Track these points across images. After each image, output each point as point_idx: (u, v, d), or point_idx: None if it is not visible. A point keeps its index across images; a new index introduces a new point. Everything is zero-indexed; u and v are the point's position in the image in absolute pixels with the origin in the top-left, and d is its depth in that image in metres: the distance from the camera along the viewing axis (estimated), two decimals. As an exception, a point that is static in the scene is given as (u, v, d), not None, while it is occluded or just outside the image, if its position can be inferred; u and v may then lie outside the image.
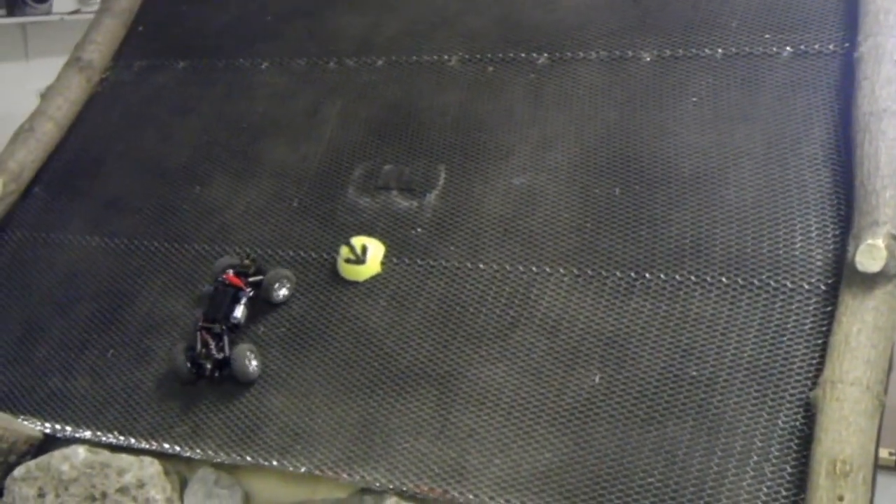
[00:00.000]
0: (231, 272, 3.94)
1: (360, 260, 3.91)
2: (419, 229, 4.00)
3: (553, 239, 3.80)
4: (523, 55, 4.45)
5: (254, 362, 3.76)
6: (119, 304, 4.08)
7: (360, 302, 3.83)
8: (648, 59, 4.24)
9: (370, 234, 4.02)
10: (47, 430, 3.70)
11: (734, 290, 3.46)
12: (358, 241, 3.96)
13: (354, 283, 3.89)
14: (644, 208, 3.77)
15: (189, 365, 3.75)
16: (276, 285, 3.95)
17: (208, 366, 3.76)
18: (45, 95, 4.64)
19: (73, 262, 4.31)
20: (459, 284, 3.77)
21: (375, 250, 3.94)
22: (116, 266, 4.22)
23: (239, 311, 3.89)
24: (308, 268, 3.99)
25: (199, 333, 3.82)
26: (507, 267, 3.78)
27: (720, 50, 4.14)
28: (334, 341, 3.72)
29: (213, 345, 3.78)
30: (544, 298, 3.64)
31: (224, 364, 3.76)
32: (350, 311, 3.80)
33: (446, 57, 4.55)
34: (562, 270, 3.70)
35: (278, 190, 4.30)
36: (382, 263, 3.92)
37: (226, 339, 3.81)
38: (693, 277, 3.52)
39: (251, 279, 3.97)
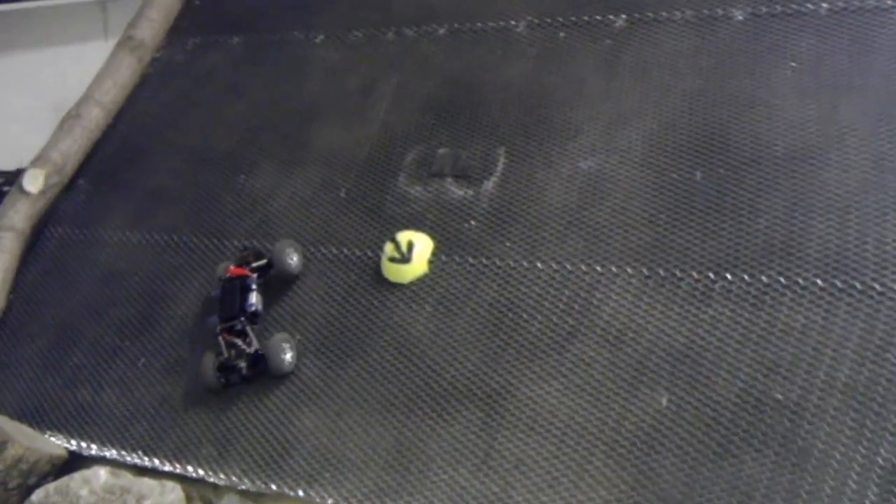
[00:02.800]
0: (231, 266, 3.72)
1: (405, 258, 3.55)
2: (473, 222, 3.60)
3: (621, 233, 3.35)
4: (599, 17, 3.98)
5: (288, 354, 3.50)
6: (154, 308, 3.84)
7: (404, 307, 3.47)
8: (741, 17, 3.70)
9: (420, 227, 3.66)
10: (72, 448, 3.50)
11: (831, 294, 2.95)
12: (404, 236, 3.61)
13: (399, 286, 3.54)
14: (728, 196, 3.27)
15: (219, 374, 3.51)
16: (286, 256, 3.71)
17: (242, 364, 3.51)
18: (95, 78, 4.43)
19: (111, 260, 4.10)
20: (514, 287, 3.37)
21: (423, 247, 3.58)
22: (154, 265, 3.98)
23: (253, 298, 3.65)
24: (351, 267, 3.65)
25: (220, 338, 3.59)
26: (568, 266, 3.35)
27: (825, 4, 3.58)
28: (373, 352, 3.37)
29: (239, 342, 3.55)
30: (608, 304, 3.21)
31: (258, 359, 3.52)
32: (393, 318, 3.45)
33: (513, 22, 4.11)
34: (629, 270, 3.25)
35: (326, 178, 3.96)
36: (430, 262, 3.55)
37: (249, 330, 3.58)
38: (782, 279, 3.02)
39: (254, 265, 3.75)
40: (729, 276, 3.09)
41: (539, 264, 3.40)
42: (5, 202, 4.18)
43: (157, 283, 3.93)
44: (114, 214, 4.29)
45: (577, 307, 3.24)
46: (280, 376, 3.50)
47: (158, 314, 3.83)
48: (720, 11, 3.75)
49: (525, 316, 3.30)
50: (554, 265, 3.37)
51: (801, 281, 2.99)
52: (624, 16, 3.90)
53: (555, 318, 3.24)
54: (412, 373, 3.29)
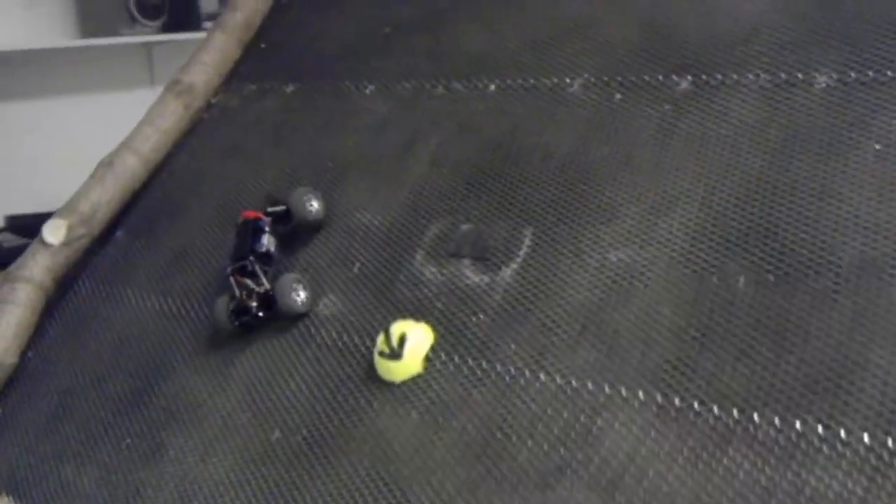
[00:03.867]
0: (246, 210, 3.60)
1: (394, 354, 3.09)
2: (482, 315, 3.10)
3: (641, 346, 2.75)
4: (661, 77, 3.37)
5: (301, 294, 3.34)
6: (150, 384, 3.52)
7: (390, 411, 2.99)
8: (824, 83, 3.03)
9: (427, 316, 3.19)
10: (43, 534, 3.26)
11: (880, 458, 2.28)
12: (399, 327, 3.14)
13: (390, 385, 3.09)
14: (773, 311, 2.64)
15: (233, 316, 3.38)
16: (304, 201, 3.58)
17: (253, 304, 3.35)
18: (138, 125, 4.20)
19: (126, 323, 3.82)
20: (510, 401, 2.83)
21: (417, 343, 3.10)
22: (163, 334, 3.66)
23: (265, 239, 3.49)
24: (345, 357, 3.21)
25: (231, 279, 3.44)
26: (574, 382, 2.78)
27: (929, 72, 2.89)
28: (347, 465, 2.90)
29: (251, 283, 3.39)
30: (609, 435, 2.63)
31: (270, 299, 3.36)
32: (376, 424, 2.97)
33: (568, 80, 3.56)
34: (641, 396, 2.66)
35: (344, 248, 3.54)
36: (426, 360, 3.10)
37: (258, 269, 3.40)
38: (820, 429, 2.38)
39: (270, 209, 3.59)
40: (756, 417, 2.46)
41: (542, 376, 2.84)
42: (26, 252, 4.00)
43: (160, 355, 3.60)
44: (139, 273, 4.02)
45: (573, 435, 2.67)
46: (293, 317, 3.34)
47: (153, 391, 3.50)
48: (800, 76, 3.08)
49: (515, 439, 2.75)
50: (559, 379, 2.81)
51: (843, 434, 2.35)
52: (689, 77, 3.30)
53: (546, 447, 2.68)
54: (381, 494, 2.84)
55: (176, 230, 4.01)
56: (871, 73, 2.94)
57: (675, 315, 2.75)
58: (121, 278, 4.00)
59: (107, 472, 3.32)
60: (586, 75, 3.51)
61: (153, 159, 4.19)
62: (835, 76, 3.02)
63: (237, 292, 3.43)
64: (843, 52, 3.06)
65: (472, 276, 3.21)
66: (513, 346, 2.96)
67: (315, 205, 3.63)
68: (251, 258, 3.48)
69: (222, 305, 3.47)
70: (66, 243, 3.95)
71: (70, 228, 3.94)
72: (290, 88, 4.33)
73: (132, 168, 4.12)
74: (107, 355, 3.73)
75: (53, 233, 3.94)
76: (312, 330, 3.35)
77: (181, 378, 3.46)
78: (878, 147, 2.82)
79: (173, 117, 4.27)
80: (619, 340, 2.82)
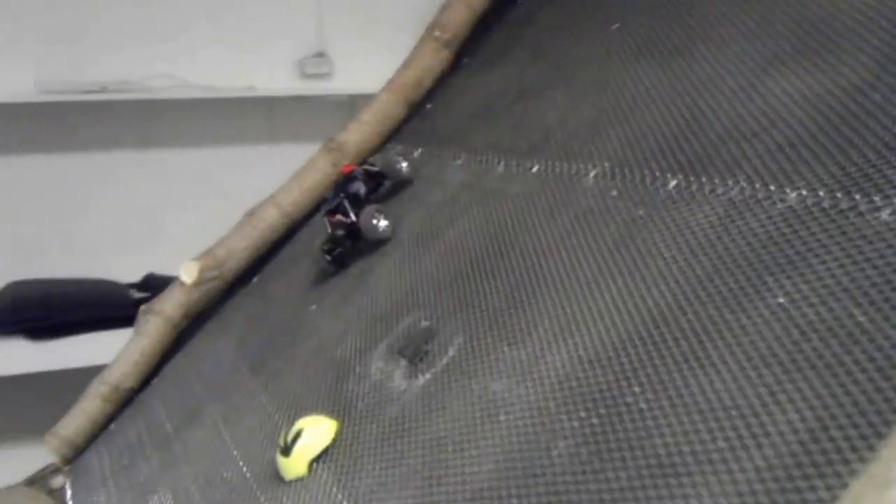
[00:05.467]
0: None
1: (285, 450, 2.71)
2: (375, 426, 2.62)
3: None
4: (657, 174, 2.58)
5: (383, 221, 3.57)
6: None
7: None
8: (794, 203, 2.11)
9: (349, 411, 2.76)
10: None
11: None
12: (302, 423, 2.75)
13: (282, 483, 2.72)
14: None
15: (325, 250, 3.66)
16: (395, 163, 3.92)
17: (340, 233, 3.63)
18: (291, 177, 4.17)
19: (210, 370, 3.81)
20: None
21: (309, 443, 2.66)
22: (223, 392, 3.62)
23: (356, 185, 3.74)
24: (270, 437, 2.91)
25: (325, 219, 3.68)
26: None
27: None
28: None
29: (341, 217, 3.63)
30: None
31: (356, 230, 3.60)
32: (248, 519, 2.67)
33: (588, 167, 2.86)
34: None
35: (323, 343, 3.27)
36: (313, 463, 2.67)
37: (347, 206, 3.62)
38: None
39: (366, 166, 3.93)
40: None
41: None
42: (168, 289, 4.18)
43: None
44: (235, 328, 4.03)
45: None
46: (377, 242, 3.55)
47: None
48: (760, 194, 2.20)
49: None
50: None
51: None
52: (681, 176, 2.49)
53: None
54: None
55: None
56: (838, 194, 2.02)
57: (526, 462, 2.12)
58: (235, 326, 4.03)
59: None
60: (606, 164, 2.80)
61: (293, 214, 4.15)
62: (804, 193, 2.12)
63: (330, 231, 3.66)
64: (820, 171, 2.14)
65: (398, 379, 2.71)
66: (378, 469, 2.47)
67: (404, 165, 3.88)
68: (341, 195, 3.68)
69: (317, 243, 3.73)
70: (198, 283, 4.07)
71: (202, 270, 4.05)
72: (416, 153, 4.02)
73: (272, 220, 4.12)
74: (189, 400, 3.74)
75: (188, 273, 4.07)
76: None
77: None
78: (780, 300, 1.93)
79: (319, 174, 4.17)
80: (447, 491, 2.25)
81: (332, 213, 3.64)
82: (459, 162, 3.63)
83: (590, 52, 3.54)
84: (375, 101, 4.35)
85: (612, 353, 2.15)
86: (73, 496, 3.74)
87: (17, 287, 6.79)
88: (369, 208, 3.60)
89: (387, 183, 3.86)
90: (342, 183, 3.77)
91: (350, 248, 3.63)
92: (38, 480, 4.17)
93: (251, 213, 4.17)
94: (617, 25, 3.49)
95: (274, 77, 7.78)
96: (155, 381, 4.09)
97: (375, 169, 3.85)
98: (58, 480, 4.11)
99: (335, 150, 4.20)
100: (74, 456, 4.00)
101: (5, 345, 6.76)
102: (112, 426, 4.02)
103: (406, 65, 4.42)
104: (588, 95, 3.30)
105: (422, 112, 4.30)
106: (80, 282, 7.12)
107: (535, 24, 4.12)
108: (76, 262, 6.98)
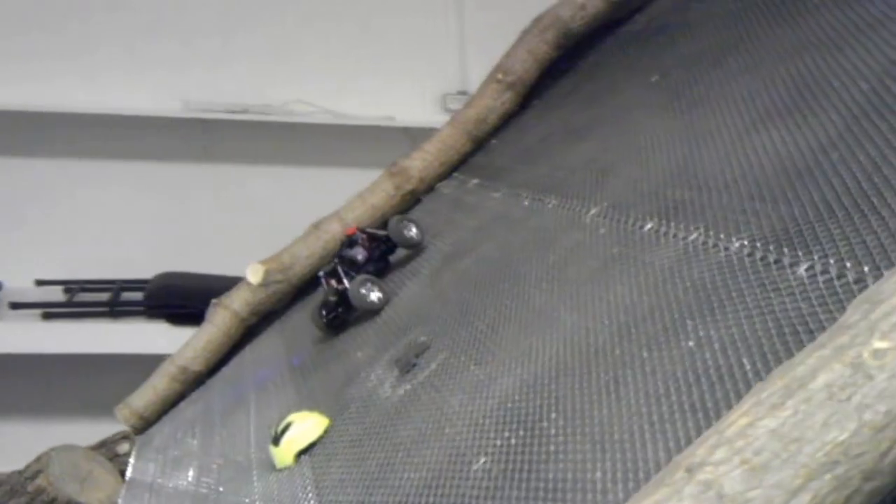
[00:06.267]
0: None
1: (275, 439, 2.76)
2: (356, 428, 2.64)
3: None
4: (640, 216, 2.51)
5: (374, 293, 3.40)
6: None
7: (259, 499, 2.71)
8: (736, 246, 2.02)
9: (342, 413, 2.80)
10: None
11: None
12: (294, 416, 2.81)
13: (273, 471, 2.77)
14: None
15: (322, 311, 3.54)
16: (403, 228, 3.65)
17: (332, 299, 3.51)
18: (352, 197, 4.25)
19: (259, 375, 3.92)
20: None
21: (297, 436, 2.74)
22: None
23: (356, 249, 3.59)
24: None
25: (322, 280, 3.61)
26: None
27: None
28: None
29: (334, 283, 3.52)
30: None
31: (346, 295, 3.46)
32: None
33: (589, 205, 2.81)
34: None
35: (357, 344, 3.28)
36: (299, 455, 2.70)
37: (341, 271, 3.51)
38: None
39: (369, 230, 3.71)
40: None
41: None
42: (236, 286, 4.32)
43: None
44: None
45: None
46: (369, 312, 3.38)
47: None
48: (711, 242, 2.11)
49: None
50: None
51: None
52: (652, 223, 2.43)
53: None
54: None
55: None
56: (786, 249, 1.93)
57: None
58: (287, 329, 4.14)
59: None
60: (605, 204, 2.75)
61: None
62: (745, 244, 2.03)
63: (326, 294, 3.56)
64: (765, 223, 2.04)
65: (387, 388, 2.74)
66: (355, 472, 2.51)
67: (413, 230, 3.67)
68: (335, 260, 3.60)
69: (316, 303, 3.64)
70: (263, 284, 4.20)
71: (267, 273, 4.18)
72: (471, 183, 4.04)
73: (334, 232, 4.18)
74: (248, 386, 3.92)
75: (253, 274, 4.21)
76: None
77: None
78: (690, 344, 1.85)
79: (383, 194, 4.25)
80: (381, 490, 2.26)
81: (329, 274, 3.57)
82: (498, 195, 3.65)
83: (629, 101, 3.52)
84: (438, 132, 4.44)
85: (548, 380, 2.14)
86: (134, 463, 3.94)
87: (165, 277, 7.21)
88: (360, 278, 3.46)
89: (399, 250, 3.71)
90: (342, 246, 3.67)
91: (343, 313, 3.51)
92: (106, 444, 4.39)
93: (316, 225, 4.30)
94: (656, 77, 3.45)
95: (415, 109, 7.98)
96: (223, 369, 4.26)
97: (381, 233, 3.68)
98: (123, 447, 4.31)
99: (398, 174, 4.29)
100: (144, 427, 4.21)
101: (148, 327, 7.20)
102: (181, 404, 4.21)
103: (469, 103, 4.51)
104: (615, 140, 3.28)
105: (486, 147, 4.34)
106: (219, 278, 7.46)
107: (595, 73, 4.11)
108: (217, 260, 7.30)
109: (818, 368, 1.23)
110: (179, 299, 7.26)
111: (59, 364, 7.04)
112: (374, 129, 7.70)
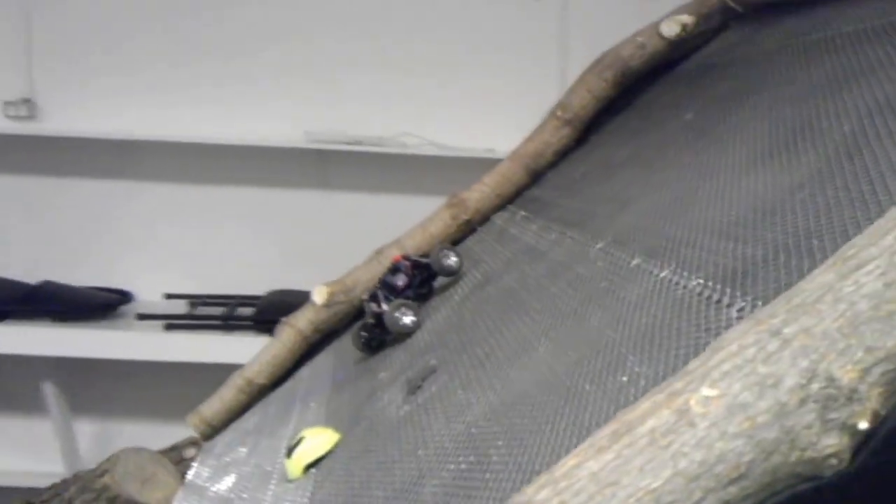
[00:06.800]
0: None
1: (288, 453, 2.80)
2: (358, 445, 2.66)
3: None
4: (632, 251, 2.44)
5: (408, 317, 3.41)
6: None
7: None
8: (695, 284, 1.93)
9: (353, 429, 2.82)
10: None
11: None
12: (308, 431, 2.85)
13: (286, 482, 2.81)
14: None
15: (361, 333, 3.60)
16: (443, 258, 3.63)
17: (371, 322, 3.55)
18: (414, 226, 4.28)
19: (308, 392, 3.97)
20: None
21: (308, 449, 2.78)
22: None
23: (398, 276, 3.60)
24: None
25: (364, 305, 3.65)
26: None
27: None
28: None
29: (374, 306, 3.54)
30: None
31: (382, 319, 3.50)
32: None
33: (597, 240, 2.75)
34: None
35: (384, 364, 3.31)
36: (307, 469, 2.73)
37: (380, 294, 3.54)
38: None
39: (413, 258, 3.72)
40: None
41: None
42: (303, 306, 4.41)
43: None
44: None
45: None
46: (402, 335, 3.40)
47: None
48: (675, 278, 2.01)
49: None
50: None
51: None
52: (637, 259, 2.34)
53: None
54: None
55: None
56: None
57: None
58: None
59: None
60: (610, 238, 2.69)
61: (412, 254, 4.24)
62: (701, 282, 1.94)
63: (367, 317, 3.59)
64: (723, 262, 1.95)
65: (394, 408, 2.77)
66: (337, 478, 2.54)
67: (453, 259, 3.66)
68: (377, 286, 3.63)
69: (357, 326, 3.70)
70: (327, 305, 4.28)
71: (331, 294, 4.26)
72: (519, 215, 3.99)
73: (391, 257, 4.25)
74: (298, 401, 3.99)
75: (318, 295, 4.29)
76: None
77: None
78: (624, 379, 1.78)
79: (441, 223, 4.26)
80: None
81: (370, 299, 3.59)
82: (534, 227, 3.62)
83: (665, 138, 3.43)
84: (498, 166, 4.43)
85: (509, 408, 2.12)
86: (195, 467, 4.08)
87: (276, 294, 7.48)
88: (396, 302, 3.48)
89: (440, 279, 3.70)
90: (387, 272, 3.68)
91: (379, 336, 3.53)
92: (176, 448, 4.56)
93: (378, 251, 4.36)
94: (690, 115, 3.36)
95: (515, 143, 8.05)
96: (286, 383, 4.37)
97: (424, 261, 3.68)
98: (190, 451, 4.47)
99: (456, 204, 4.31)
100: (211, 434, 4.36)
101: (258, 340, 7.49)
102: (245, 415, 4.33)
103: (528, 138, 4.47)
104: (641, 176, 3.21)
105: (540, 181, 4.32)
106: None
107: (643, 111, 4.03)
108: (325, 279, 7.53)
109: (648, 413, 1.19)
110: (287, 314, 7.52)
111: (177, 371, 7.41)
112: (475, 160, 7.78)
